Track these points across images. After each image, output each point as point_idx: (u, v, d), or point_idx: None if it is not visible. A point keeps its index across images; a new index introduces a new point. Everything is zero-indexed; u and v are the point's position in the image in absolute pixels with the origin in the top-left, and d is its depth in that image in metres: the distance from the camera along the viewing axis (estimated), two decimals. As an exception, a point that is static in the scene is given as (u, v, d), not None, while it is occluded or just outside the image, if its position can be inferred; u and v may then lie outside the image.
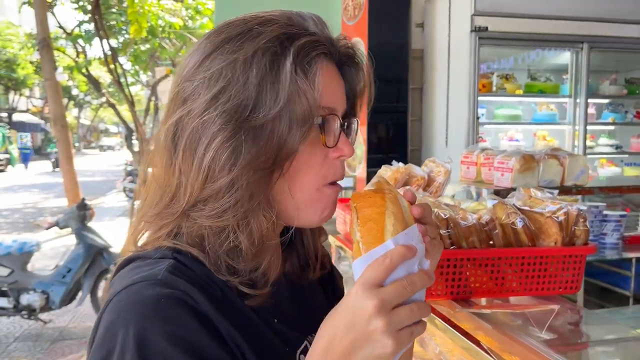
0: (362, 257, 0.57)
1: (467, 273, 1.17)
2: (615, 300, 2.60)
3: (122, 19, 11.35)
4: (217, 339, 0.60)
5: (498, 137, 4.51)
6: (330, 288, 0.88)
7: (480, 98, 3.77)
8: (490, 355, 1.11)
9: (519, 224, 1.18)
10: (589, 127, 4.13)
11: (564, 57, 4.17)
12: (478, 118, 3.74)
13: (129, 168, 11.57)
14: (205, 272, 0.64)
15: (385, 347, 0.54)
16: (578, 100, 4.06)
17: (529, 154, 2.05)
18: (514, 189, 1.98)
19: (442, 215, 1.15)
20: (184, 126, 0.64)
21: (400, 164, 1.74)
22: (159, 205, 0.67)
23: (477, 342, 1.15)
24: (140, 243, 0.69)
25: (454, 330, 1.20)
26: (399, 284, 0.56)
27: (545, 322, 1.05)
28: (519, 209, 1.23)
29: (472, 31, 3.56)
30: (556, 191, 1.33)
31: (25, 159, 23.07)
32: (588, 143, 4.23)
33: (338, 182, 0.72)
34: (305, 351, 0.73)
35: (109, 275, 0.68)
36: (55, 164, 18.88)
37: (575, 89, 4.06)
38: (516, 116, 4.34)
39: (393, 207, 0.59)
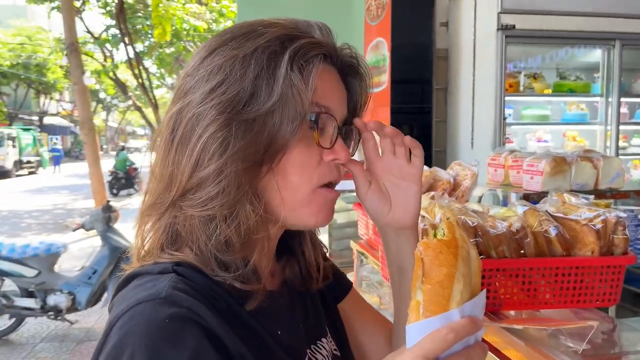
0: (421, 322, 0.52)
1: (497, 284, 1.11)
2: (650, 308, 2.49)
3: (148, 22, 11.53)
4: (225, 355, 0.58)
5: (526, 138, 4.40)
6: (331, 296, 0.87)
7: (507, 98, 3.67)
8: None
9: (553, 232, 1.11)
10: (621, 127, 4.00)
11: (595, 55, 4.04)
12: (505, 119, 3.64)
13: None
14: (206, 282, 0.63)
15: None
16: (610, 100, 3.93)
17: (560, 156, 1.96)
18: (543, 193, 1.90)
19: (470, 223, 1.09)
20: (182, 118, 0.66)
21: (425, 167, 1.69)
22: (154, 196, 0.68)
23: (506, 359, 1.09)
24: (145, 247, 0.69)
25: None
26: None
27: (584, 338, 0.98)
28: (552, 215, 1.16)
29: (498, 29, 3.48)
30: (592, 196, 1.25)
31: (56, 161, 23.69)
32: (620, 144, 4.09)
33: (336, 189, 0.72)
34: None
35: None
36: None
37: (607, 88, 3.93)
38: (545, 116, 4.22)
39: (464, 269, 0.54)
